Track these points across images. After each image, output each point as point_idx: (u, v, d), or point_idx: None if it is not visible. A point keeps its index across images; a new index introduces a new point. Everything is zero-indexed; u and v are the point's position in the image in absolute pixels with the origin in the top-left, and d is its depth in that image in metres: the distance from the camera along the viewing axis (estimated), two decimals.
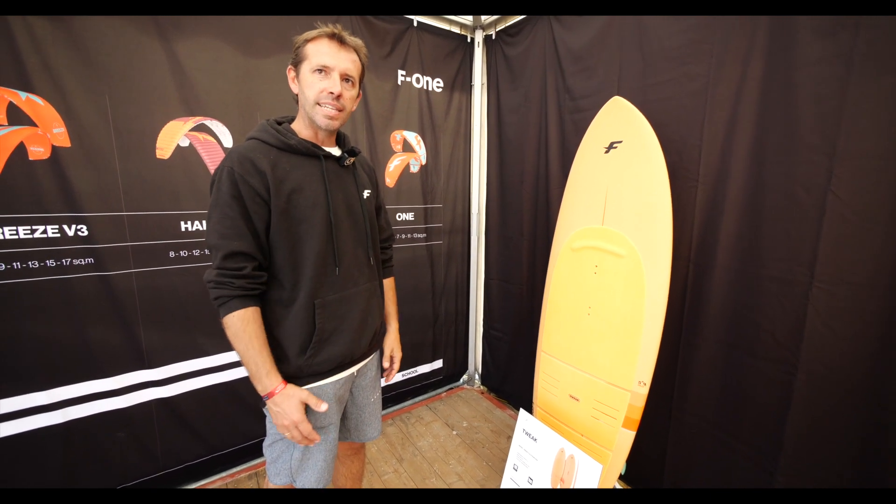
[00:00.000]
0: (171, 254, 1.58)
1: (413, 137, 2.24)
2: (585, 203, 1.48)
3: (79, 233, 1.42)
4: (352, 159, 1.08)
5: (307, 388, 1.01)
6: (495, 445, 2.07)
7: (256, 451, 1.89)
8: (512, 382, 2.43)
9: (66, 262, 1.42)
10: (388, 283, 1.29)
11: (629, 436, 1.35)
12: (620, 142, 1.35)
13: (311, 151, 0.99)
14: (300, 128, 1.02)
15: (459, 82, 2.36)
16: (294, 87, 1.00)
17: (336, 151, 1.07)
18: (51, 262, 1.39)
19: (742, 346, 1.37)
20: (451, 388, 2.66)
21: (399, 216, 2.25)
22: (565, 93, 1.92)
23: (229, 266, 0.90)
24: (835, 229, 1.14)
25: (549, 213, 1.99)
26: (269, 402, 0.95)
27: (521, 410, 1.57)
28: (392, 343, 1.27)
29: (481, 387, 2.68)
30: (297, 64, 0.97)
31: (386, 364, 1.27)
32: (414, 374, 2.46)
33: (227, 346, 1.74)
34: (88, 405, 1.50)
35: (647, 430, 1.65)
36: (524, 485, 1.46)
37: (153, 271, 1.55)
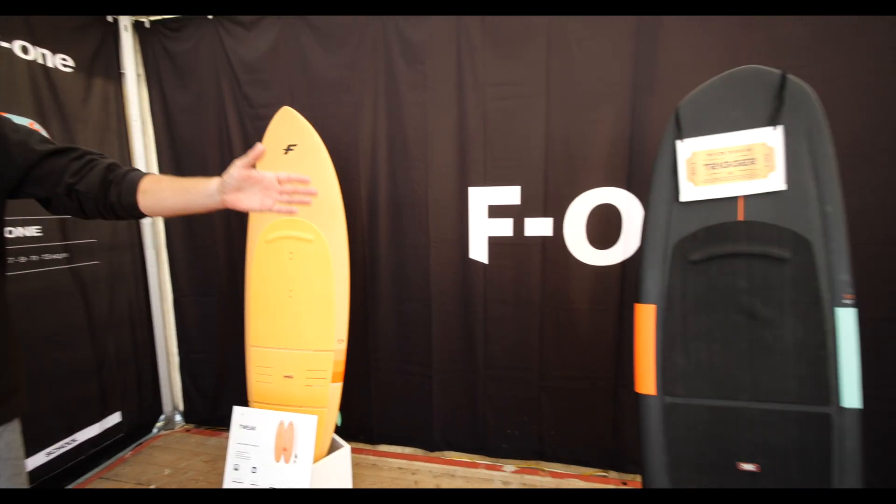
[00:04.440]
0: None
1: (26, 124, 1.66)
2: None
3: None
4: None
5: None
6: (214, 472, 1.87)
7: None
8: (227, 403, 2.22)
9: None
10: (152, 179, 0.87)
11: (337, 388, 1.62)
12: (296, 145, 1.61)
13: None
14: None
15: (101, 67, 1.96)
16: None
17: None
18: None
19: (403, 296, 1.94)
20: (141, 444, 2.12)
21: (13, 231, 1.61)
22: (244, 100, 2.01)
23: None
24: (433, 209, 1.85)
25: (242, 212, 2.01)
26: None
27: (235, 407, 1.53)
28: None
29: (186, 425, 2.29)
30: None
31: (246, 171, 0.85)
32: (72, 445, 1.80)
33: None
34: None
35: (356, 384, 1.99)
36: (248, 477, 1.45)
37: None
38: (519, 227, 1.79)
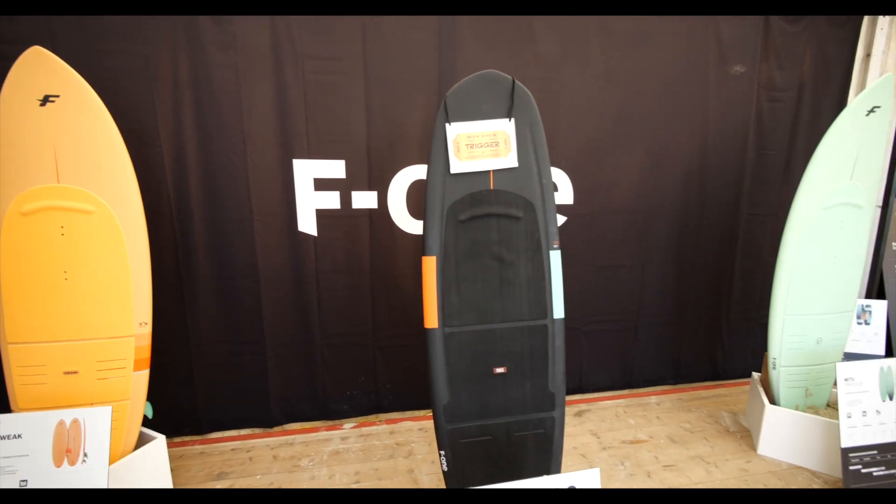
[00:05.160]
0: None
1: None
2: (28, 160, 1.33)
3: None
4: None
5: None
6: None
7: None
8: None
9: None
10: None
11: (143, 375, 1.47)
12: (58, 96, 1.33)
13: None
14: None
15: None
16: None
17: None
18: None
19: (226, 272, 1.83)
20: None
21: None
22: None
23: None
24: (255, 181, 1.78)
25: None
26: None
27: None
28: None
29: None
30: None
31: None
32: None
33: None
34: None
35: (174, 373, 1.83)
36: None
37: None
38: (346, 199, 1.89)
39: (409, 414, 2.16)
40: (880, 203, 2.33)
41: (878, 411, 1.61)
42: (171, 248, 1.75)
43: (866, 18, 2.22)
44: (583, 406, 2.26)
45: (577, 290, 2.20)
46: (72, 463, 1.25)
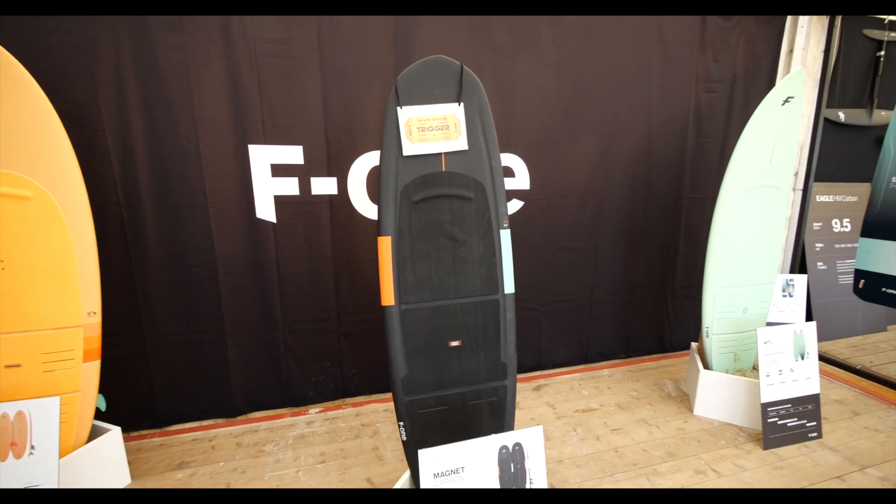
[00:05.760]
0: None
1: None
2: None
3: None
4: None
5: None
6: None
7: None
8: None
9: None
10: None
11: (94, 367, 1.43)
12: None
13: None
14: None
15: None
16: None
17: None
18: None
19: (181, 260, 1.80)
20: None
21: None
22: None
23: None
24: (209, 167, 1.75)
25: None
26: None
27: None
28: None
29: None
30: None
31: None
32: None
33: None
34: None
35: (129, 366, 1.78)
36: None
37: None
38: (305, 185, 1.89)
39: (375, 396, 2.21)
40: (801, 187, 2.59)
41: (791, 369, 1.82)
42: (120, 235, 1.69)
43: (789, 17, 2.43)
44: (541, 381, 2.39)
45: (536, 271, 2.32)
46: (17, 456, 1.21)
